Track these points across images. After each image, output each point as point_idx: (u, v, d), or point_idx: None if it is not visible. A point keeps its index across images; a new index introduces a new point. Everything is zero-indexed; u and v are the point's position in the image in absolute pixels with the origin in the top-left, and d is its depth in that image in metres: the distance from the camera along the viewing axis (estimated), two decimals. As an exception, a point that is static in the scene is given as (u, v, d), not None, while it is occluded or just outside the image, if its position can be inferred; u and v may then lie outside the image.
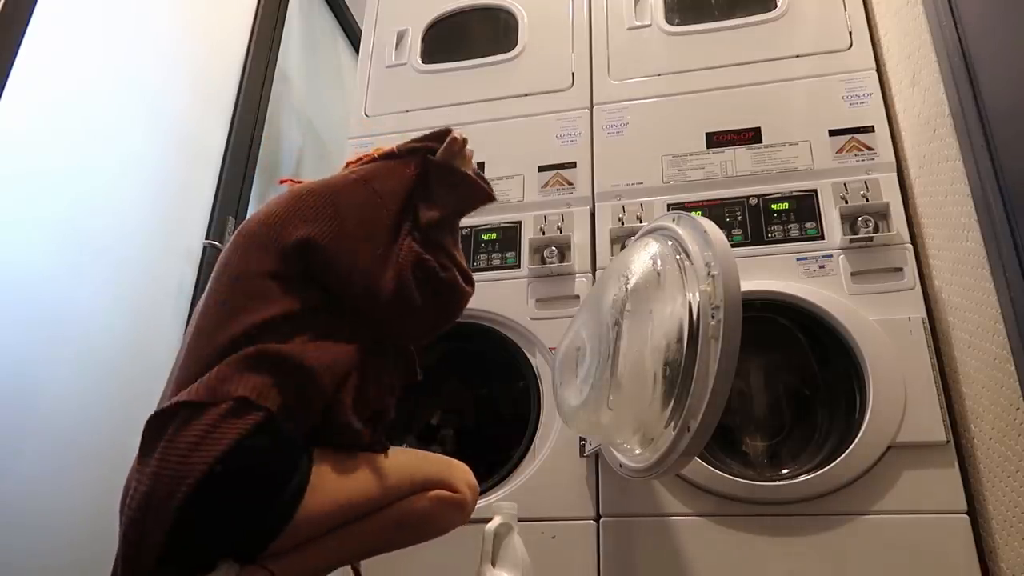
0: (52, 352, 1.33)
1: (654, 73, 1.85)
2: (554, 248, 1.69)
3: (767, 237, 1.58)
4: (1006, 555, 1.21)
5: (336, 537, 1.00)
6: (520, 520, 1.32)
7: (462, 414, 1.75)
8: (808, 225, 1.56)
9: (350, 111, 2.08)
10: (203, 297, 1.08)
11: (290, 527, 0.95)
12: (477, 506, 1.13)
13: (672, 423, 1.07)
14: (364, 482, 1.03)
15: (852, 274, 1.49)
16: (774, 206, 1.60)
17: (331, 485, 1.00)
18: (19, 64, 1.29)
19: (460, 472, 1.12)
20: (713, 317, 1.03)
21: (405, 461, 1.08)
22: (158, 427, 0.97)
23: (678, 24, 1.90)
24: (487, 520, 1.28)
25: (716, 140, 1.72)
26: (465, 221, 1.78)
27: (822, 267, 1.51)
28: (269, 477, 0.96)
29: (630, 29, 1.93)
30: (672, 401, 1.07)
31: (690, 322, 1.07)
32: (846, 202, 1.54)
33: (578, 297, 1.63)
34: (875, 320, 1.42)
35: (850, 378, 1.42)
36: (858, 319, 1.42)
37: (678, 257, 1.16)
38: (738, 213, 1.62)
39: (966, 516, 1.28)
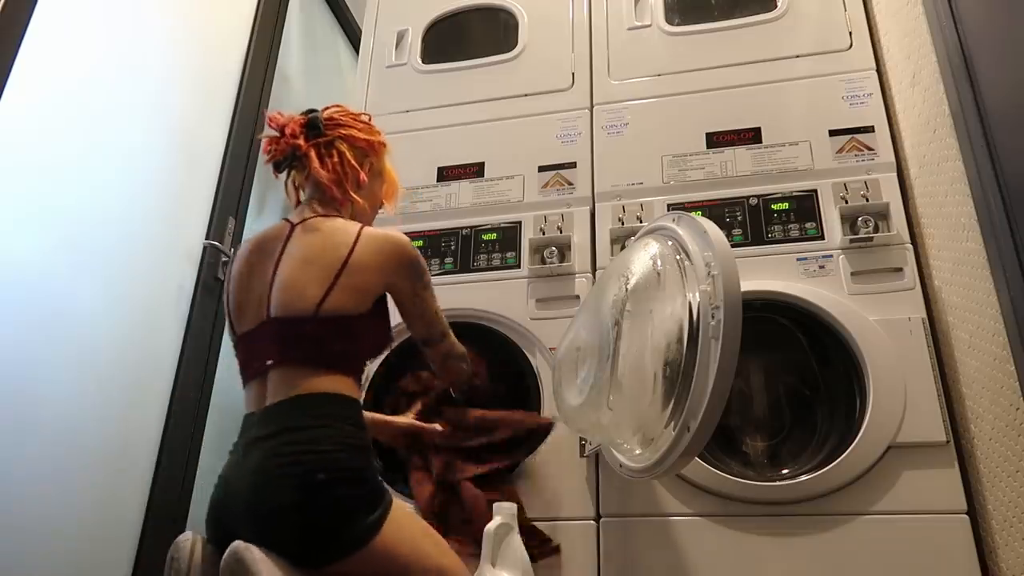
0: (52, 352, 1.33)
1: (654, 73, 1.85)
2: (554, 248, 1.69)
3: (767, 237, 1.58)
4: (1006, 555, 1.21)
5: None
6: (520, 520, 1.32)
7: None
8: (808, 225, 1.56)
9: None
10: None
11: (363, 551, 1.05)
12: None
13: (672, 423, 1.07)
14: (431, 545, 1.12)
15: (852, 274, 1.48)
16: (774, 206, 1.60)
17: (409, 527, 1.12)
18: (19, 63, 1.29)
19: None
20: (713, 317, 1.03)
21: (447, 549, 1.16)
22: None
23: (678, 24, 1.90)
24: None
25: (716, 140, 1.72)
26: (465, 221, 1.80)
27: (822, 267, 1.51)
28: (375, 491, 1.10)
29: (630, 29, 1.92)
30: (672, 401, 1.07)
31: (690, 322, 1.07)
32: (846, 202, 1.54)
33: (578, 297, 1.62)
34: (875, 320, 1.42)
35: (850, 378, 1.42)
36: (858, 319, 1.42)
37: (678, 257, 1.16)
38: (738, 213, 1.62)
39: (966, 516, 1.28)
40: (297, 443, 1.07)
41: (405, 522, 1.12)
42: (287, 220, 1.29)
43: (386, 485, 1.15)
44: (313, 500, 1.04)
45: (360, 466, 1.10)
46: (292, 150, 1.29)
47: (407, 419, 1.47)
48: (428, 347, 1.35)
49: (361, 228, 1.24)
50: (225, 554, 0.99)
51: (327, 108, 1.36)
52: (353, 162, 1.32)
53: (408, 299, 1.28)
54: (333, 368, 1.15)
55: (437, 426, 1.46)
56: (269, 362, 1.15)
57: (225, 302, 1.28)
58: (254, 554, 0.98)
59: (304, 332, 1.15)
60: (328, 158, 1.29)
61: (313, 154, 1.29)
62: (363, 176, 1.33)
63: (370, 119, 1.41)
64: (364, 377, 1.40)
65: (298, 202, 1.35)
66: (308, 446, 1.07)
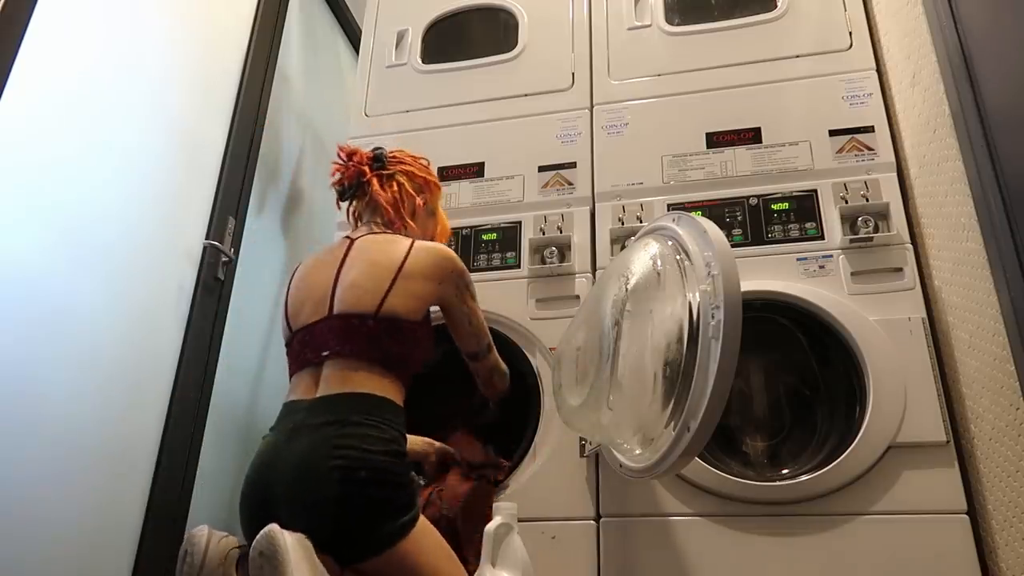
0: (51, 350, 1.33)
1: (654, 73, 1.85)
2: (554, 248, 1.69)
3: (767, 237, 1.58)
4: (1006, 555, 1.21)
5: None
6: (520, 520, 1.32)
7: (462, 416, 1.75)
8: (808, 225, 1.56)
9: (350, 111, 2.08)
10: None
11: (386, 553, 1.08)
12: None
13: (672, 423, 1.07)
14: (447, 562, 1.15)
15: (852, 274, 1.48)
16: (774, 206, 1.60)
17: (431, 539, 1.15)
18: (19, 63, 1.29)
19: None
20: (713, 317, 1.03)
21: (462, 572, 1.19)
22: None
23: (678, 24, 1.90)
24: (487, 520, 1.29)
25: (716, 140, 1.72)
26: (465, 221, 1.80)
27: (822, 267, 1.51)
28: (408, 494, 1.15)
29: (630, 29, 1.92)
30: (672, 401, 1.07)
31: (690, 322, 1.07)
32: (846, 202, 1.54)
33: (578, 297, 1.62)
34: (875, 320, 1.42)
35: (850, 378, 1.42)
36: (858, 319, 1.42)
37: (678, 257, 1.16)
38: (738, 213, 1.62)
39: (966, 516, 1.28)
40: (348, 436, 1.12)
41: (429, 534, 1.16)
42: (347, 237, 1.42)
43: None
44: (353, 496, 1.08)
45: (401, 471, 1.15)
46: (358, 176, 1.46)
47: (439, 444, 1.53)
48: (476, 360, 1.44)
49: (413, 240, 1.37)
50: (259, 535, 1.01)
51: (391, 150, 1.52)
52: (411, 191, 1.47)
53: (456, 308, 1.38)
54: (387, 370, 1.23)
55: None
56: (325, 353, 1.24)
57: (283, 305, 1.39)
58: (287, 539, 1.00)
59: (365, 328, 1.24)
60: (388, 186, 1.45)
61: (375, 180, 1.45)
62: (419, 202, 1.47)
63: (428, 163, 1.56)
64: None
65: (356, 227, 1.47)
66: (358, 442, 1.12)
